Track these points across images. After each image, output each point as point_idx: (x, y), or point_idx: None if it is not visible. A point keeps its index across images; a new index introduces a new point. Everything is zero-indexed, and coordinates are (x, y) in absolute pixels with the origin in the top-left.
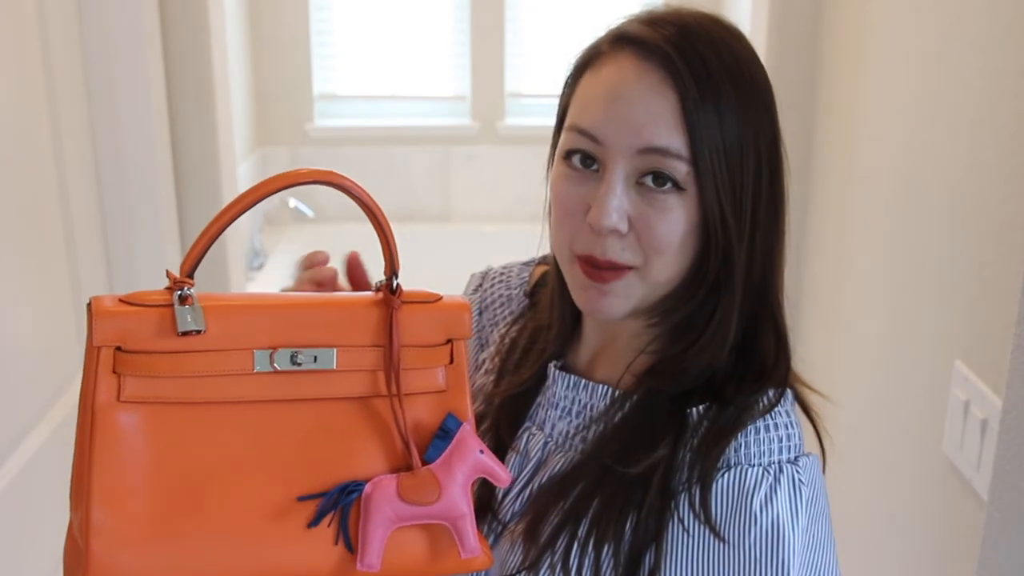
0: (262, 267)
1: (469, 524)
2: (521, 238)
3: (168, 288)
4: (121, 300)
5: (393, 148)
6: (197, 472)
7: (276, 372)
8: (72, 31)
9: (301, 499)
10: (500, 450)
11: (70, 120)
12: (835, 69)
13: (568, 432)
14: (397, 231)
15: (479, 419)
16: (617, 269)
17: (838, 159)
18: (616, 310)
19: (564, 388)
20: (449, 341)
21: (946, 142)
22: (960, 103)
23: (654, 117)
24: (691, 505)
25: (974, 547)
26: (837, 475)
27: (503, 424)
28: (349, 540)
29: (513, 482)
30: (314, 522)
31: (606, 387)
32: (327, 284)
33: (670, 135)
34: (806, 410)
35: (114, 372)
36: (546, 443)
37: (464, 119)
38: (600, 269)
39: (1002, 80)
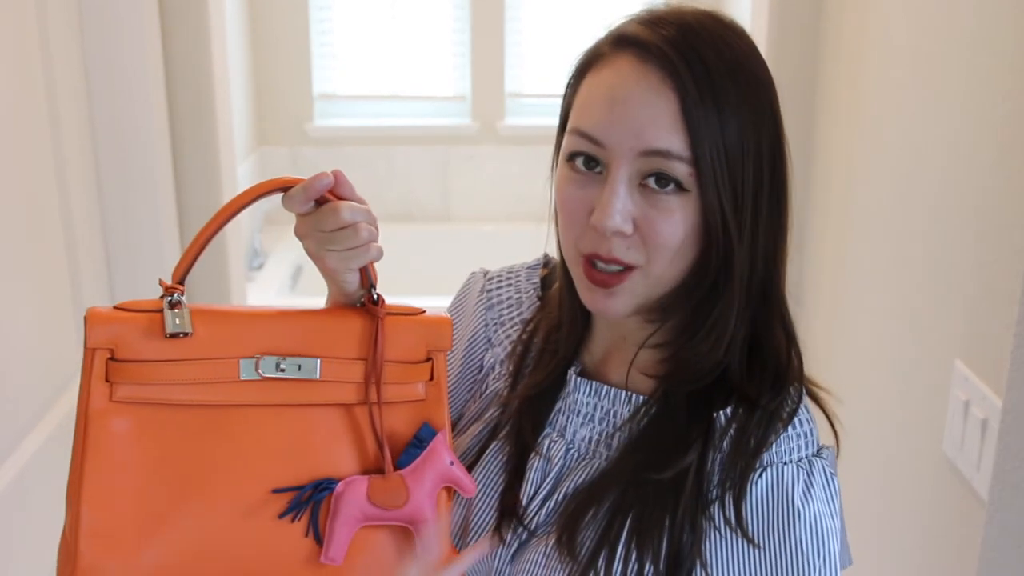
0: (262, 267)
1: (431, 529)
2: (521, 238)
3: (161, 297)
4: (116, 308)
5: (393, 148)
6: (182, 472)
7: (261, 379)
8: (72, 32)
9: (276, 491)
10: (524, 454)
11: (70, 121)
12: (836, 68)
13: (591, 439)
14: (397, 231)
15: (496, 429)
16: (621, 272)
17: (838, 158)
18: (621, 309)
19: (586, 395)
20: (429, 359)
21: (946, 141)
22: (960, 102)
23: (654, 119)
24: (725, 514)
25: (974, 548)
26: (838, 474)
27: (526, 427)
28: (319, 533)
29: (537, 489)
30: (285, 513)
31: (629, 393)
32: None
33: (671, 137)
34: (819, 404)
35: (107, 381)
36: (568, 450)
37: (464, 119)
38: (604, 272)
39: (1003, 79)
